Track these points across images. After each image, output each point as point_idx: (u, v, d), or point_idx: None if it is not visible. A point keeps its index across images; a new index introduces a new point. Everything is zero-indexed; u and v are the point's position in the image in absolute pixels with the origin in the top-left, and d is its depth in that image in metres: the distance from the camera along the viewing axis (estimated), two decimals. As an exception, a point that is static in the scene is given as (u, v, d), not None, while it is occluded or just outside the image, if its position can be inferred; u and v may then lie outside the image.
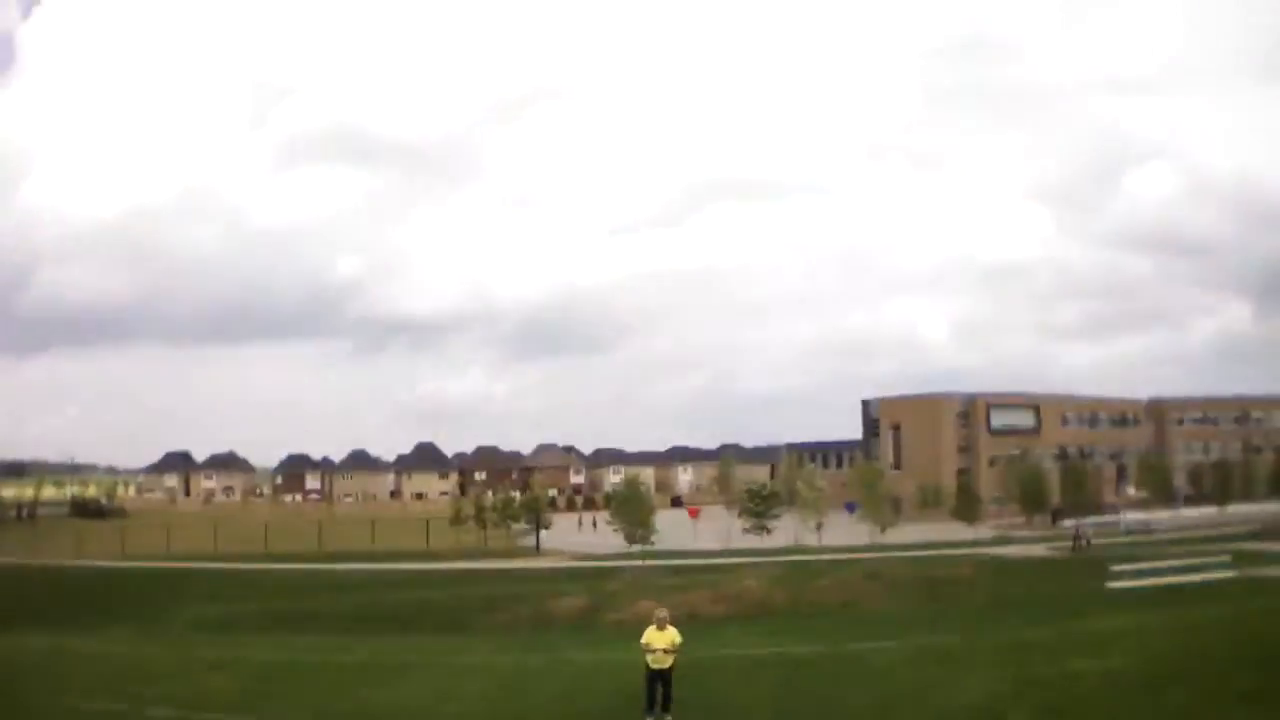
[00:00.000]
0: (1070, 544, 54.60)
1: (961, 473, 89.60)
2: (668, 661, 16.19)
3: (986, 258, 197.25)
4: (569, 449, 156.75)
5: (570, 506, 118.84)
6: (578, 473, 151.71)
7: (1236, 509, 70.26)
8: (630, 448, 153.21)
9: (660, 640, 16.21)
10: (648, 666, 16.32)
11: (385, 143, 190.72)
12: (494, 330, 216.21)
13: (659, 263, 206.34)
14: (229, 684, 19.60)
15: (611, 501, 75.27)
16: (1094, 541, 54.94)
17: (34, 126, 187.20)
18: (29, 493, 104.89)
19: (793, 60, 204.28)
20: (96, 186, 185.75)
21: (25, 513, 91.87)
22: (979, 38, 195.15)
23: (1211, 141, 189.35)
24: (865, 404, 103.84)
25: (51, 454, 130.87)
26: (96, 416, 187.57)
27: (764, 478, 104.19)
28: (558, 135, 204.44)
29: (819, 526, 63.36)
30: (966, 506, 70.57)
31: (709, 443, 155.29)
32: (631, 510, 62.16)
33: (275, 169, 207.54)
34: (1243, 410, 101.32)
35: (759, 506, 64.83)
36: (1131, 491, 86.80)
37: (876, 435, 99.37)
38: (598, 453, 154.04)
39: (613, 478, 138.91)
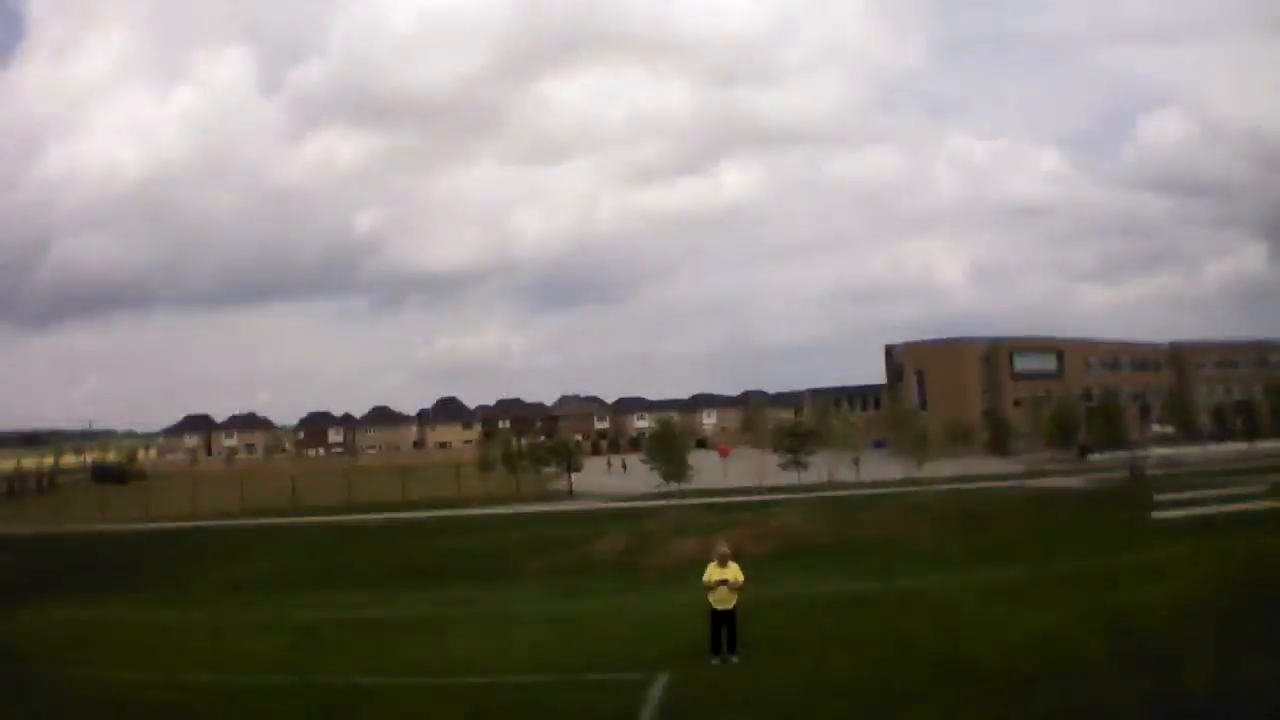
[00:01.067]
0: (1128, 473, 54.88)
1: (987, 413, 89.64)
2: (732, 600, 15.74)
3: (1003, 199, 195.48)
4: (592, 399, 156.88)
5: (596, 451, 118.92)
6: (602, 419, 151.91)
7: (1265, 444, 69.99)
8: (653, 396, 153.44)
9: (723, 576, 15.84)
10: (711, 606, 15.86)
11: (400, 98, 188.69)
12: (511, 282, 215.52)
13: (676, 210, 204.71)
14: (268, 645, 18.85)
15: (646, 441, 75.07)
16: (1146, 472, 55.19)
17: (47, 96, 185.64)
18: (48, 461, 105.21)
19: (809, 5, 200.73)
20: (112, 153, 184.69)
21: (45, 481, 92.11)
22: None
23: (1224, 89, 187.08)
24: (889, 349, 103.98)
25: (72, 424, 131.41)
26: (116, 385, 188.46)
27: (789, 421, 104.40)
28: (573, 86, 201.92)
29: (857, 461, 63.35)
30: (998, 440, 70.28)
31: (731, 389, 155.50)
32: (667, 448, 62.11)
33: (291, 129, 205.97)
34: (1262, 354, 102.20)
35: (794, 443, 64.68)
36: (1157, 428, 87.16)
37: (900, 380, 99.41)
38: (621, 401, 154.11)
39: (638, 423, 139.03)
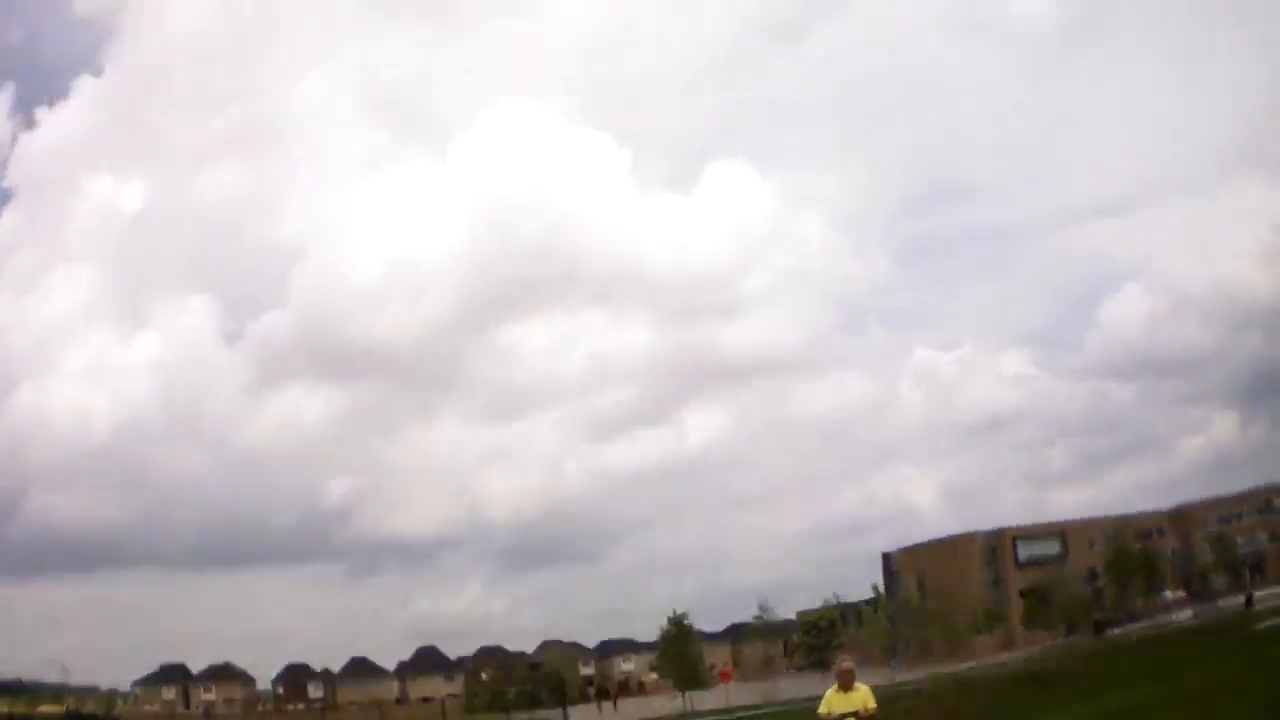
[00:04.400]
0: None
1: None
2: None
3: (970, 412, 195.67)
4: (574, 644, 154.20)
5: (583, 698, 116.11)
6: (586, 665, 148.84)
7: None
8: (637, 637, 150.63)
9: (846, 705, 12.80)
10: None
11: (362, 351, 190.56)
12: (486, 546, 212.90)
13: (642, 463, 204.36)
14: None
15: (657, 653, 72.97)
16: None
17: (13, 332, 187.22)
18: (21, 709, 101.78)
19: (770, 231, 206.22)
20: (81, 399, 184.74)
21: None
22: (946, 185, 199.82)
23: (1185, 254, 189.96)
24: (885, 556, 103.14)
25: (50, 677, 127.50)
26: (95, 639, 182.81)
27: (776, 651, 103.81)
28: (534, 333, 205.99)
29: (894, 652, 61.89)
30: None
31: (715, 626, 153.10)
32: (679, 657, 60.80)
33: (256, 382, 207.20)
34: (1264, 499, 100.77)
35: (818, 639, 63.34)
36: (1169, 595, 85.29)
37: (898, 586, 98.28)
38: (605, 644, 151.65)
39: (623, 666, 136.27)
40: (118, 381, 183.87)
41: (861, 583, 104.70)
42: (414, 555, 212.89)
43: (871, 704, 12.81)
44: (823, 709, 12.92)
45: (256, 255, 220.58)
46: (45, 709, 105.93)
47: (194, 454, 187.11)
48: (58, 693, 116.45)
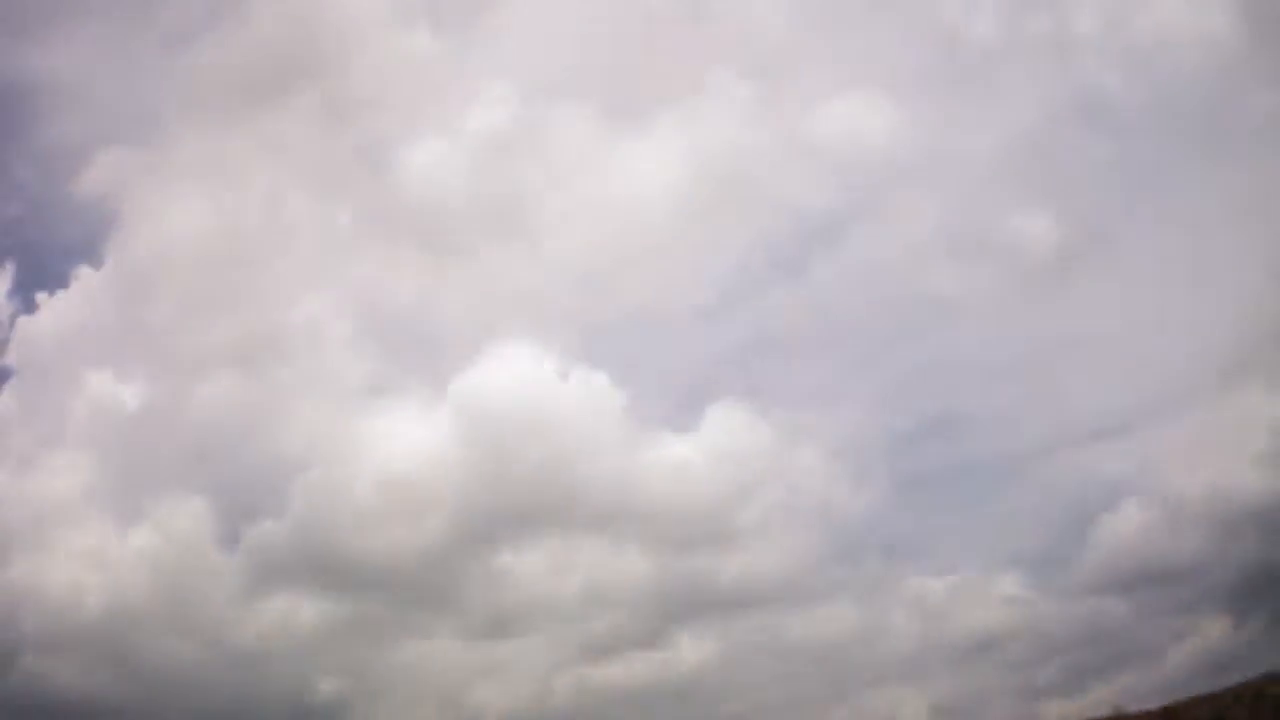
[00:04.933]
0: None
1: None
2: None
3: (962, 635, 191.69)
4: None
5: None
6: None
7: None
8: None
9: None
10: None
11: (358, 566, 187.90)
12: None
13: (635, 682, 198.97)
14: None
15: None
16: None
17: (10, 507, 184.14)
18: None
19: (769, 464, 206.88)
20: (75, 579, 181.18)
21: None
22: (943, 413, 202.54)
23: (1186, 462, 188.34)
24: None
25: None
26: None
27: None
28: (530, 558, 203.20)
29: None
30: None
31: None
32: None
33: (249, 585, 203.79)
34: (1257, 691, 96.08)
35: None
36: None
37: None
38: None
39: None
40: (113, 568, 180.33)
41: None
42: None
43: None
44: None
45: (255, 464, 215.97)
46: None
47: (186, 645, 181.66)
48: None
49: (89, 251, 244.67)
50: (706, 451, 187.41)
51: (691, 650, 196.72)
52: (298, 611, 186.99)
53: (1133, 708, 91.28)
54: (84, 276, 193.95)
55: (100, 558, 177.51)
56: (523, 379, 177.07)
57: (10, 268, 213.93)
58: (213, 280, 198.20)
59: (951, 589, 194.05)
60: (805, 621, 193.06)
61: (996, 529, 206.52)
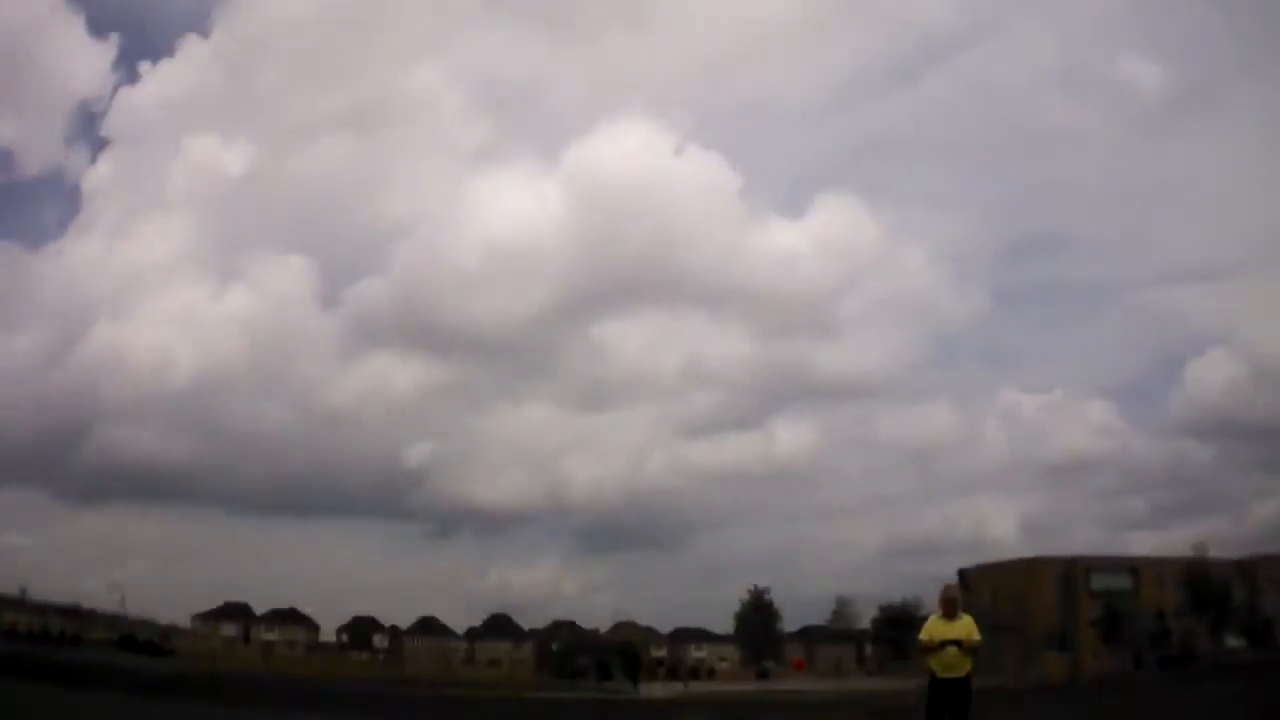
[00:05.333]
0: None
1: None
2: (963, 667, 12.35)
3: (1053, 455, 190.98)
4: (647, 628, 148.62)
5: (653, 677, 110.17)
6: (659, 648, 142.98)
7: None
8: (710, 628, 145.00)
9: (949, 633, 12.45)
10: (932, 675, 12.69)
11: (457, 330, 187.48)
12: (563, 524, 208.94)
13: (729, 464, 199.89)
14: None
15: (737, 622, 69.22)
16: None
17: (97, 277, 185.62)
18: (73, 632, 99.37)
19: (874, 259, 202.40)
20: (162, 345, 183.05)
21: (69, 638, 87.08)
22: (1046, 234, 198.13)
23: (1273, 321, 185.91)
24: (962, 573, 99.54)
25: (108, 604, 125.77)
26: (157, 572, 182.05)
27: (848, 655, 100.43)
28: (632, 332, 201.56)
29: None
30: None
31: (788, 627, 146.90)
32: (759, 633, 55.81)
33: (346, 347, 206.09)
34: None
35: (896, 632, 58.48)
36: (1231, 641, 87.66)
37: (968, 604, 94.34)
38: (678, 631, 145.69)
39: (695, 653, 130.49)
40: (204, 331, 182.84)
41: (935, 599, 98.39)
42: (489, 526, 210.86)
43: (976, 635, 12.59)
44: (924, 636, 12.84)
45: (359, 227, 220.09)
46: (98, 635, 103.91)
47: (275, 406, 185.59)
48: (113, 620, 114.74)
49: (196, 23, 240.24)
50: (814, 241, 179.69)
51: (787, 437, 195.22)
52: (394, 374, 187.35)
53: (1211, 553, 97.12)
54: (190, 46, 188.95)
55: (192, 321, 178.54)
56: (637, 154, 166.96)
57: (115, 39, 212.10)
58: (324, 47, 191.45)
59: (1043, 408, 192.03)
60: (900, 420, 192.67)
61: (1088, 355, 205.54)
